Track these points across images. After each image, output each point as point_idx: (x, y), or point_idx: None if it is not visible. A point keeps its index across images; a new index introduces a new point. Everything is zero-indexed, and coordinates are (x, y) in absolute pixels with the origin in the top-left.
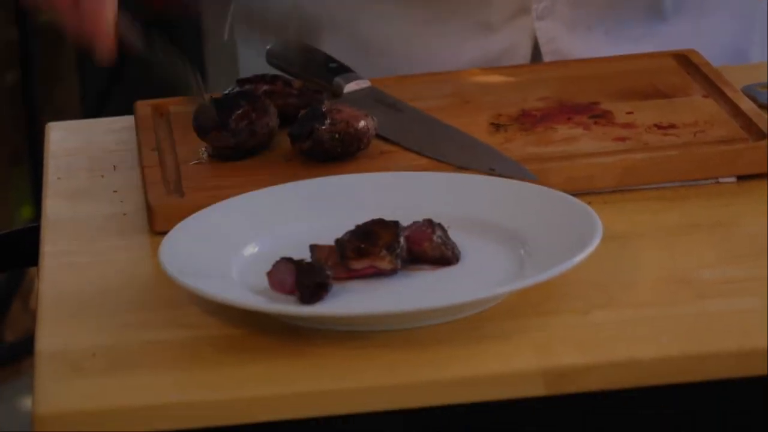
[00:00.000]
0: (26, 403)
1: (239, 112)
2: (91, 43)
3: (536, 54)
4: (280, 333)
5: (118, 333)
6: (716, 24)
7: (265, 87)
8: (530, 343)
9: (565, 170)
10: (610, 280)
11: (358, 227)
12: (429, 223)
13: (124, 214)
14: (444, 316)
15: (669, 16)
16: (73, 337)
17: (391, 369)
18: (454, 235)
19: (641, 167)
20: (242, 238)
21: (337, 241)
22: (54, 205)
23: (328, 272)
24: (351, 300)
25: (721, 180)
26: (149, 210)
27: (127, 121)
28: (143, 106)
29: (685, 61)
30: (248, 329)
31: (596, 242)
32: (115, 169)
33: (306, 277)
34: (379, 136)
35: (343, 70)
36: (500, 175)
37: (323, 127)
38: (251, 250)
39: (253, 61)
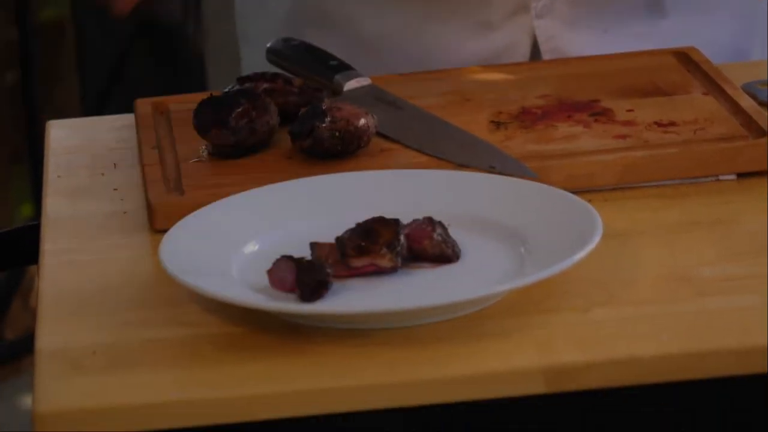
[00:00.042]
0: (26, 401)
1: (239, 110)
2: None
3: (535, 52)
4: (281, 331)
5: (119, 331)
6: (716, 23)
7: (266, 85)
8: (531, 341)
9: (565, 168)
10: (611, 278)
11: (358, 225)
12: (429, 221)
13: (125, 212)
14: (444, 313)
15: (669, 14)
16: (74, 335)
17: (391, 367)
18: (455, 233)
19: (641, 165)
20: (242, 236)
21: (338, 239)
22: (54, 203)
23: (329, 270)
24: (351, 298)
25: (721, 177)
26: (149, 208)
27: (128, 119)
28: (143, 104)
29: (685, 58)
30: (248, 327)
31: (596, 240)
32: (115, 167)
33: (306, 275)
34: (379, 134)
35: (344, 68)
36: (500, 173)
37: (323, 125)
38: (251, 248)
39: (255, 59)
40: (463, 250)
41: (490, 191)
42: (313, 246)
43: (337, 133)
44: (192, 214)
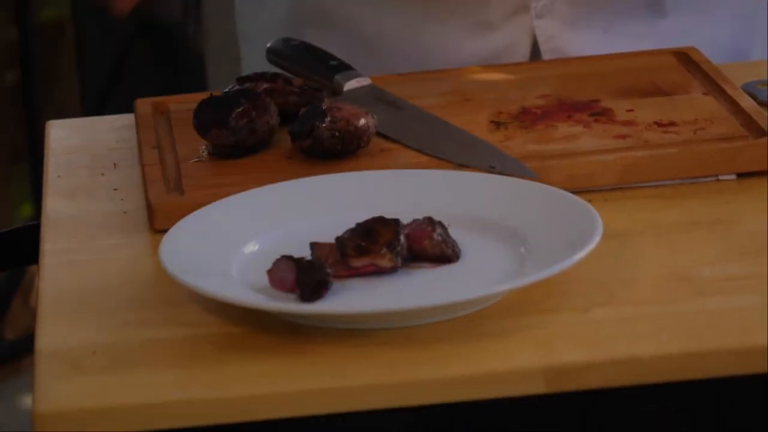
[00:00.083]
0: (26, 401)
1: (239, 110)
2: None
3: (535, 52)
4: (281, 331)
5: (119, 331)
6: (716, 23)
7: (266, 85)
8: (531, 341)
9: (565, 168)
10: (611, 278)
11: (358, 225)
12: (429, 221)
13: (125, 212)
14: (444, 313)
15: (669, 14)
16: (74, 335)
17: (391, 367)
18: (455, 233)
19: (641, 165)
20: (242, 236)
21: (338, 239)
22: (54, 203)
23: (329, 270)
24: (351, 298)
25: (721, 177)
26: (149, 208)
27: (128, 119)
28: (143, 104)
29: (685, 58)
30: (248, 327)
31: (596, 240)
32: (115, 167)
33: (306, 275)
34: (379, 134)
35: (344, 68)
36: (500, 173)
37: (323, 125)
38: (251, 248)
39: (255, 59)
40: (463, 250)
41: (490, 191)
42: (313, 246)
43: (337, 133)
44: (192, 214)
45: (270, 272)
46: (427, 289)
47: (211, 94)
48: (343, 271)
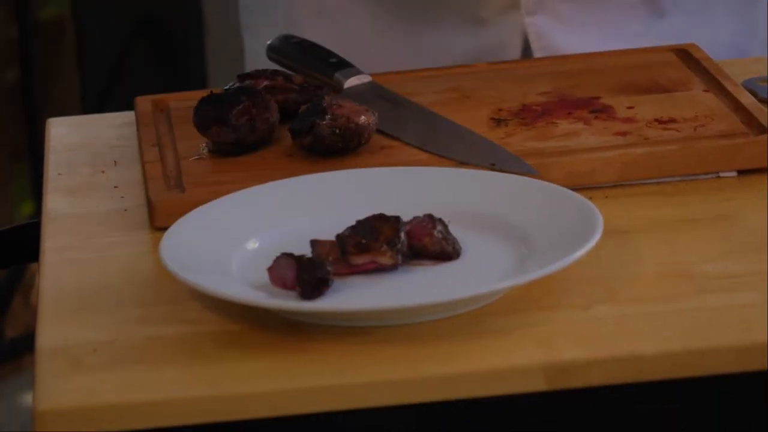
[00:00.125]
0: (27, 399)
1: (240, 107)
2: None
3: (528, 50)
4: (281, 329)
5: (119, 329)
6: (715, 24)
7: (266, 82)
8: (531, 338)
9: (565, 165)
10: (611, 275)
11: (358, 222)
12: (430, 218)
13: (125, 210)
14: (445, 311)
15: (668, 13)
16: (74, 333)
17: (391, 364)
18: (455, 230)
19: (642, 162)
20: (243, 233)
21: (338, 236)
22: (54, 201)
23: (329, 268)
24: (352, 295)
25: (721, 174)
26: (150, 205)
27: (128, 116)
28: (143, 102)
29: (686, 55)
30: (249, 325)
31: (597, 237)
32: (115, 164)
33: (307, 272)
34: (379, 131)
35: (344, 65)
36: (501, 170)
37: (324, 123)
38: (252, 245)
39: (259, 51)
40: (464, 248)
41: (491, 188)
42: (314, 243)
43: (337, 131)
44: (192, 211)
45: (270, 270)
46: (428, 287)
47: (212, 92)
48: (344, 269)
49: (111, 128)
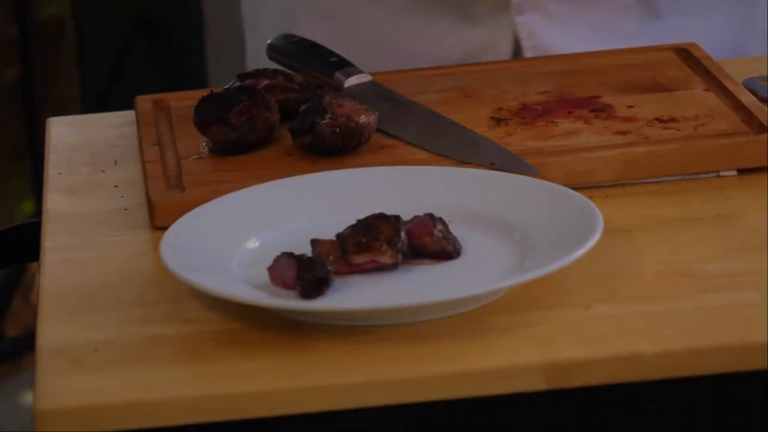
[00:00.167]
0: (27, 398)
1: (240, 106)
2: None
3: (518, 50)
4: (281, 328)
5: (119, 328)
6: (713, 26)
7: (266, 81)
8: (532, 338)
9: (565, 164)
10: (611, 274)
11: (359, 222)
12: (430, 217)
13: (125, 209)
14: (445, 310)
15: (664, 14)
16: (74, 333)
17: (392, 364)
18: (455, 230)
19: (642, 161)
20: (243, 232)
21: (338, 235)
22: (55, 200)
23: (329, 267)
24: (352, 295)
25: (722, 173)
26: (150, 205)
27: (128, 116)
28: (144, 101)
29: (686, 54)
30: (249, 324)
31: (597, 236)
32: (116, 164)
33: (307, 271)
34: (379, 131)
35: (344, 65)
36: (501, 169)
37: (324, 122)
38: (252, 244)
39: (260, 48)
40: (464, 247)
41: (491, 188)
42: (314, 243)
43: (337, 130)
44: (193, 211)
45: (270, 269)
46: (428, 286)
47: (212, 91)
48: (344, 268)
49: (111, 127)
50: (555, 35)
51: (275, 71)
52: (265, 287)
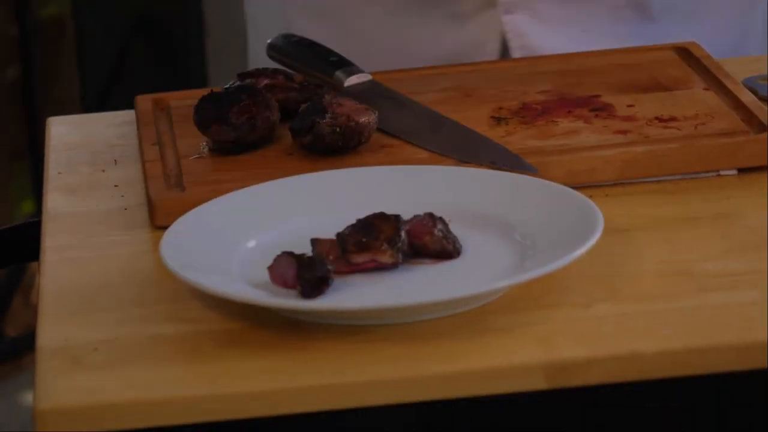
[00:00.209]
0: (27, 398)
1: (240, 106)
2: None
3: (506, 50)
4: (281, 327)
5: (119, 327)
6: (708, 29)
7: (266, 81)
8: (532, 337)
9: (565, 163)
10: (612, 274)
11: (359, 221)
12: (430, 216)
13: (125, 209)
14: (445, 309)
15: (657, 16)
16: (75, 332)
17: (392, 363)
18: (455, 229)
19: (642, 160)
20: (243, 232)
21: (338, 235)
22: (55, 200)
23: (329, 266)
24: (352, 294)
25: (722, 173)
26: (150, 204)
27: (128, 115)
28: (144, 101)
29: (686, 53)
30: (249, 323)
31: (597, 236)
32: (116, 163)
33: (307, 271)
34: (380, 130)
35: (344, 64)
36: (501, 169)
37: (324, 121)
38: (252, 244)
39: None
40: (464, 246)
41: (491, 187)
42: (314, 242)
43: (337, 129)
44: (193, 210)
45: (271, 268)
46: (428, 285)
47: (212, 90)
48: (344, 267)
49: (111, 127)
50: (544, 35)
51: (275, 71)
52: (265, 287)
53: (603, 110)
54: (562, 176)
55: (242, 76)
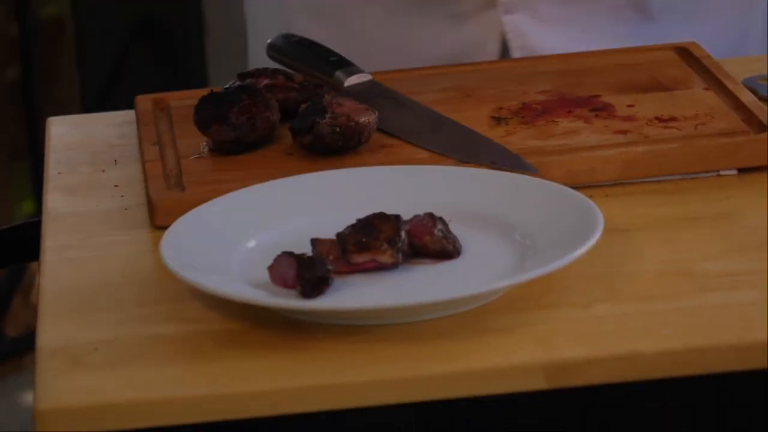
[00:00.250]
0: (27, 398)
1: (240, 106)
2: None
3: (506, 50)
4: (281, 327)
5: (120, 327)
6: (708, 29)
7: (266, 81)
8: (532, 337)
9: (565, 163)
10: (612, 274)
11: (359, 221)
12: (430, 216)
13: (125, 209)
14: (445, 309)
15: (657, 16)
16: (75, 332)
17: (392, 363)
18: (455, 229)
19: (642, 160)
20: (243, 232)
21: (338, 235)
22: (55, 200)
23: (330, 266)
24: (352, 294)
25: (722, 173)
26: (150, 204)
27: (128, 115)
28: (144, 101)
29: (686, 53)
30: (249, 323)
31: (597, 235)
32: (116, 163)
33: (307, 271)
34: (380, 130)
35: (344, 64)
36: (501, 169)
37: (324, 121)
38: (252, 244)
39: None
40: (464, 246)
41: (491, 187)
42: (314, 242)
43: (337, 129)
44: (193, 210)
45: (271, 268)
46: (428, 285)
47: (212, 90)
48: (344, 267)
49: (111, 127)
50: (544, 35)
51: (275, 70)
52: (265, 286)
53: (603, 110)
54: (562, 176)
55: (242, 76)
